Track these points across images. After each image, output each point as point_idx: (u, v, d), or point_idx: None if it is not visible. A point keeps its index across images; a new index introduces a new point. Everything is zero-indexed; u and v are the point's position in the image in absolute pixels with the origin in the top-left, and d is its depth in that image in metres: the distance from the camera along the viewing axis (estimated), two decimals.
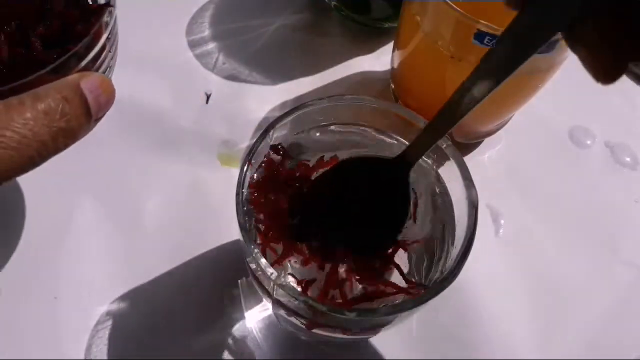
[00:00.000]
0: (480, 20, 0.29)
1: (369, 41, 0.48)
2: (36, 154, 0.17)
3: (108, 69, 0.27)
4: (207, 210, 0.38)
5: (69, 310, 0.34)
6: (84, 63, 0.24)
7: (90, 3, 0.27)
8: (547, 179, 0.42)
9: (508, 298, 0.36)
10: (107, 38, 0.26)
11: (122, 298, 0.35)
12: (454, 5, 0.29)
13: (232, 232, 0.36)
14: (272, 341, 0.34)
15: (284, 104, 0.44)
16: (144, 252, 0.37)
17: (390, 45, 0.43)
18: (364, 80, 0.46)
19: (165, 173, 0.40)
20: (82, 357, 0.33)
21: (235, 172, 0.25)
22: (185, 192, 0.39)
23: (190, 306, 0.35)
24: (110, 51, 0.27)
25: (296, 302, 0.23)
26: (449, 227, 0.27)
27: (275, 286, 0.23)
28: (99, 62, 0.26)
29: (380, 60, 0.47)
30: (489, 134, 0.43)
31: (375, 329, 0.27)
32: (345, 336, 0.26)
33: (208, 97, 0.44)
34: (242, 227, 0.24)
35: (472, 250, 0.24)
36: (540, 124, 0.44)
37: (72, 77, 0.19)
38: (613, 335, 0.35)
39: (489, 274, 0.37)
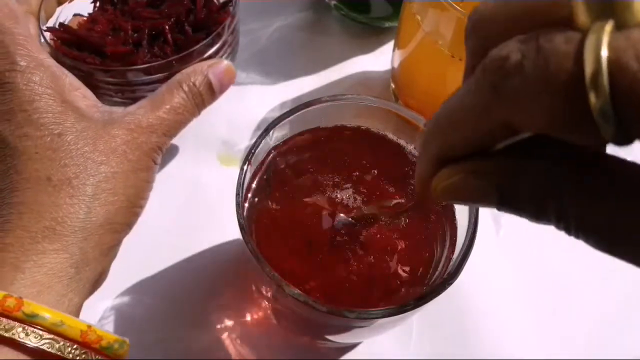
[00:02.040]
0: None
1: (369, 40, 0.48)
2: (189, 115, 0.29)
3: (235, 45, 0.40)
4: (207, 210, 0.38)
5: None
6: (222, 40, 0.36)
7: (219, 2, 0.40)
8: None
9: (508, 298, 0.36)
10: (233, 22, 0.38)
11: (124, 294, 0.35)
12: (454, 5, 0.29)
13: (231, 231, 0.36)
14: (272, 341, 0.34)
15: (283, 104, 0.44)
16: (145, 250, 0.36)
17: (391, 44, 0.43)
18: (364, 80, 0.46)
19: (165, 173, 0.40)
20: None
21: (235, 172, 0.25)
22: (185, 191, 0.39)
23: (190, 305, 0.35)
24: (235, 31, 0.39)
25: (296, 303, 0.23)
26: (450, 227, 0.27)
27: (274, 286, 0.23)
28: (231, 40, 0.38)
29: (380, 59, 0.46)
30: None
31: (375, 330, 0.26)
32: (343, 340, 0.26)
33: None
34: (242, 227, 0.24)
35: (473, 250, 0.24)
36: None
37: (202, 66, 0.30)
38: (613, 335, 0.35)
39: (489, 274, 0.37)
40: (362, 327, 0.25)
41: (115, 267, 0.36)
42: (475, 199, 0.15)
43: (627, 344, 0.35)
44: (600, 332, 0.35)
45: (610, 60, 0.10)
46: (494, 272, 0.37)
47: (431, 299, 0.22)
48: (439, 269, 0.26)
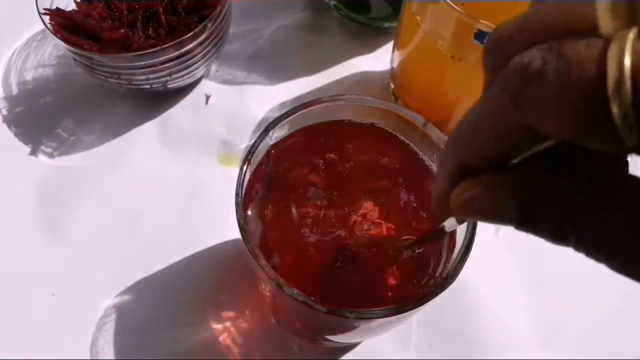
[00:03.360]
0: (480, 20, 0.29)
1: (368, 41, 0.48)
2: None
3: (226, 29, 0.41)
4: (207, 210, 0.38)
5: (73, 305, 0.35)
6: (214, 24, 0.38)
7: None
8: None
9: (508, 298, 0.36)
10: (225, 6, 0.39)
11: (124, 294, 0.35)
12: (454, 5, 0.29)
13: (231, 231, 0.36)
14: (272, 341, 0.34)
15: (283, 104, 0.44)
16: (144, 250, 0.37)
17: (390, 45, 0.43)
18: (363, 80, 0.46)
19: (165, 173, 0.40)
20: (88, 349, 0.33)
21: (234, 172, 0.25)
22: (185, 191, 0.39)
23: (190, 304, 0.35)
24: (227, 14, 0.40)
25: (296, 302, 0.23)
26: None
27: (274, 286, 0.23)
28: (223, 23, 0.40)
29: (379, 60, 0.46)
30: None
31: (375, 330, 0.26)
32: (343, 340, 0.26)
33: (207, 98, 0.44)
34: (242, 227, 0.24)
35: (472, 250, 0.24)
36: None
37: None
38: (613, 335, 0.35)
39: (489, 274, 0.37)
40: (362, 327, 0.25)
41: (115, 266, 0.36)
42: (494, 215, 0.14)
43: (628, 344, 0.35)
44: (601, 331, 0.35)
45: (633, 66, 0.10)
46: (494, 272, 0.37)
47: (431, 299, 0.22)
48: (439, 269, 0.26)
